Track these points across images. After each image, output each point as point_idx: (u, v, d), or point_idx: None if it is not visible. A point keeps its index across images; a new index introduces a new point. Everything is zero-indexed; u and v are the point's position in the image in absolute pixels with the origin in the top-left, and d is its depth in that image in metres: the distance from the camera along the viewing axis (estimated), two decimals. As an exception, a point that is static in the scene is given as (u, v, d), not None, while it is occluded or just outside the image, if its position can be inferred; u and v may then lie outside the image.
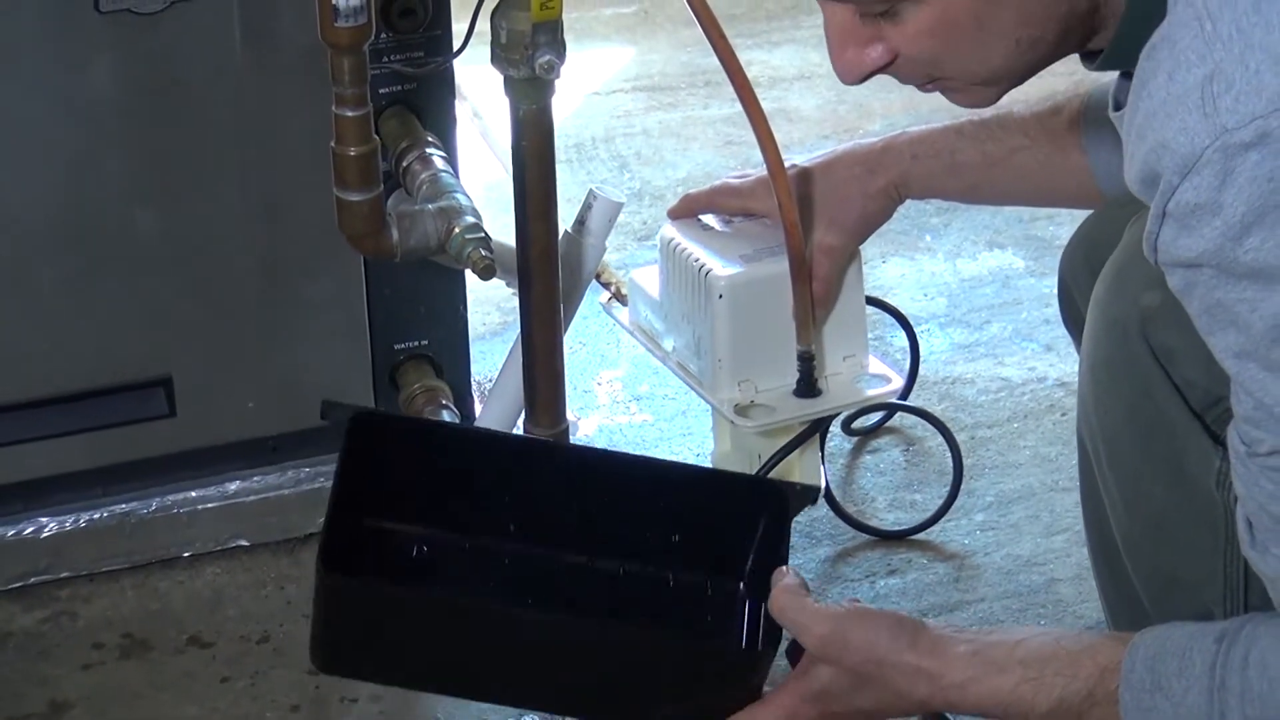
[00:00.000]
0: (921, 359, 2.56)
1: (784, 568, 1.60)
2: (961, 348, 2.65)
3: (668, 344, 1.95)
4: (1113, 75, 1.49)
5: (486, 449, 1.73)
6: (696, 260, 1.88)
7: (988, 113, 1.79)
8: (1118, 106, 1.42)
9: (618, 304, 2.09)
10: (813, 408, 1.88)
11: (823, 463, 2.07)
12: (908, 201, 1.94)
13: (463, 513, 1.68)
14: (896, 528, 2.28)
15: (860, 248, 1.91)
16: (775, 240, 1.85)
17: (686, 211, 1.96)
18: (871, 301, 2.20)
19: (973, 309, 2.73)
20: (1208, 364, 1.40)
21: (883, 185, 1.88)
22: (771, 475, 1.90)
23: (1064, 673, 1.45)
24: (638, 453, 2.27)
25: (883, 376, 1.95)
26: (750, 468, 1.94)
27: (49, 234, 2.06)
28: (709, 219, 1.95)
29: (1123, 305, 1.64)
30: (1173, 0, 1.32)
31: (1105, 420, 1.69)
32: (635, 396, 2.56)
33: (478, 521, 1.68)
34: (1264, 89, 1.25)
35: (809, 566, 2.24)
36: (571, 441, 2.12)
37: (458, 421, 2.12)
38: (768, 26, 3.50)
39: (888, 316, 2.41)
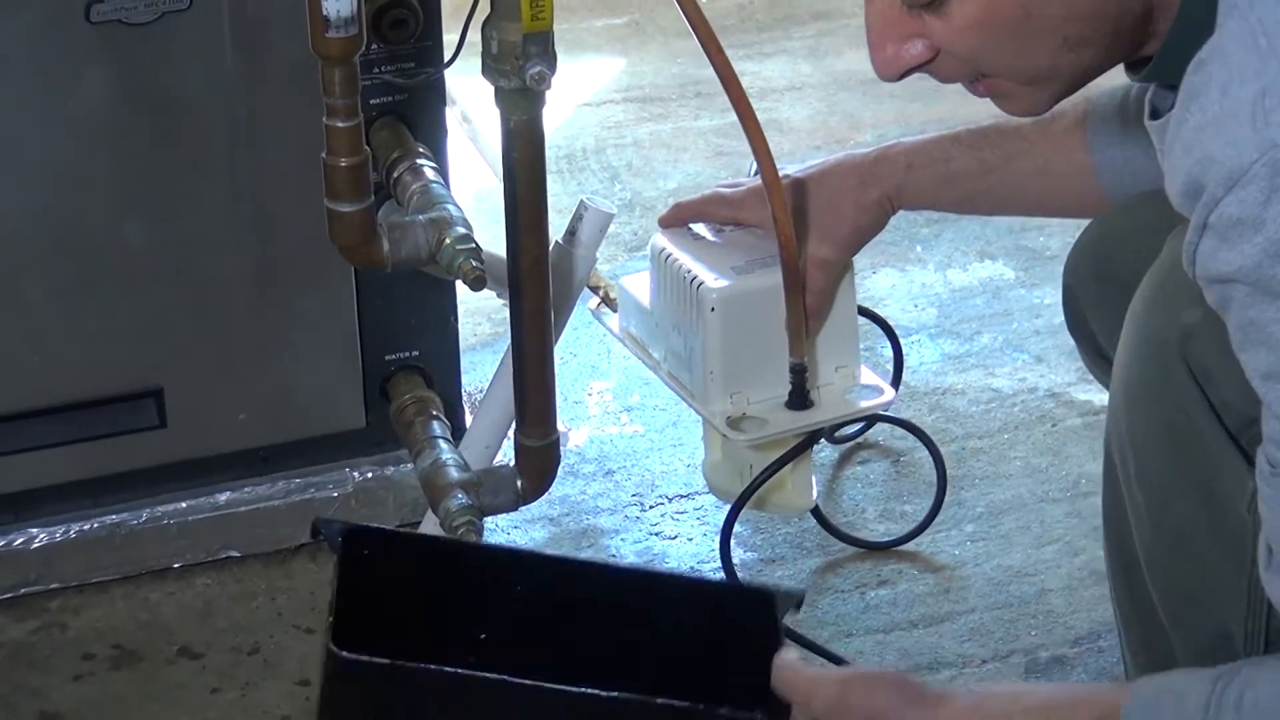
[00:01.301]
0: (911, 370, 2.57)
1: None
2: (952, 358, 2.65)
3: (657, 352, 1.95)
4: (1121, 80, 1.48)
5: (465, 562, 1.68)
6: (688, 272, 1.88)
7: (985, 120, 1.79)
8: (1155, 115, 1.40)
9: (607, 310, 2.09)
10: (805, 420, 1.88)
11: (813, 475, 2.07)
12: (899, 212, 1.94)
13: (439, 631, 1.63)
14: (884, 539, 2.28)
15: (852, 259, 1.92)
16: (766, 251, 1.85)
17: (677, 220, 1.97)
18: (860, 311, 2.21)
19: (963, 320, 2.73)
20: (1245, 386, 1.38)
21: (876, 197, 1.88)
22: (763, 493, 1.90)
23: (1065, 718, 1.45)
24: (627, 562, 2.22)
25: (875, 388, 1.96)
26: (742, 478, 1.94)
27: (39, 244, 2.06)
28: (700, 228, 1.96)
29: (1162, 321, 1.62)
30: (1225, 12, 1.30)
31: (1136, 434, 1.67)
32: (626, 407, 2.56)
33: (456, 640, 1.62)
34: None
35: (798, 578, 2.24)
36: (557, 555, 2.13)
37: (443, 536, 2.07)
38: (758, 38, 3.50)
39: (877, 326, 2.42)
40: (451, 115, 2.63)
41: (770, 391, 1.88)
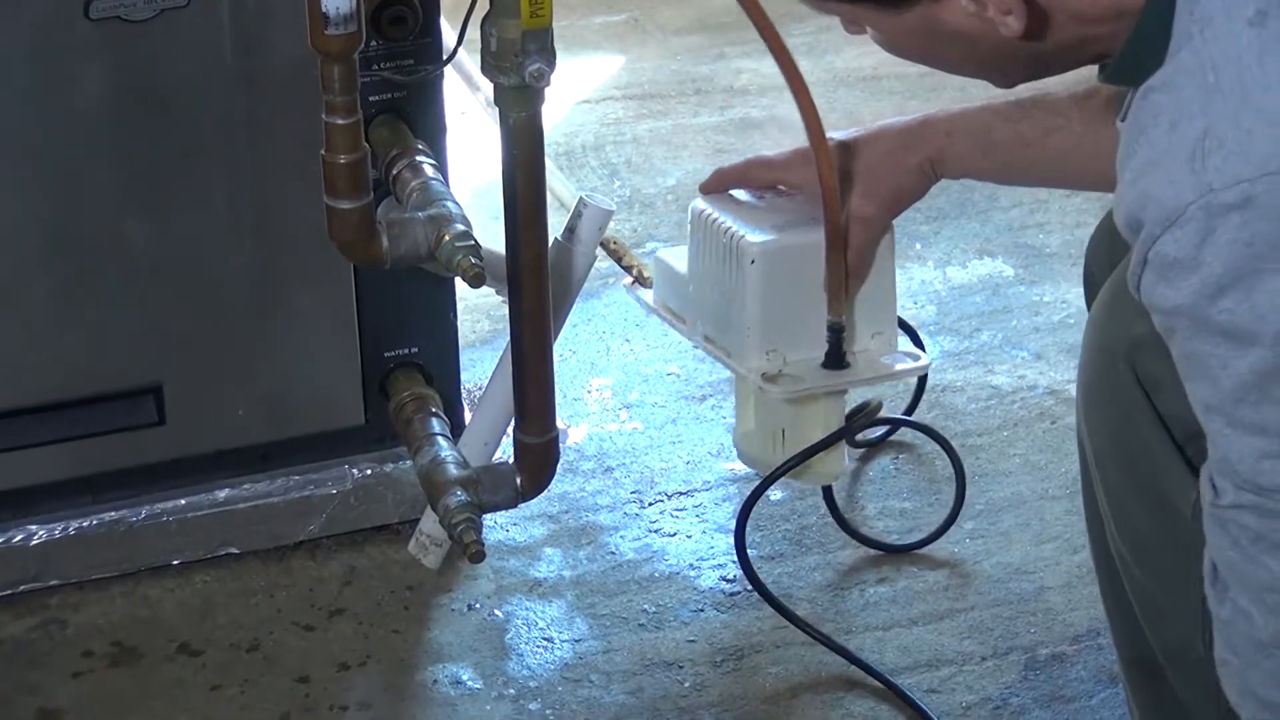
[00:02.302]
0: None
1: None
2: (951, 356, 2.65)
3: (693, 319, 1.94)
4: None
5: None
6: (728, 229, 1.87)
7: (1025, 93, 1.78)
8: (1124, 117, 1.42)
9: (640, 287, 2.09)
10: (841, 379, 1.87)
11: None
12: (940, 180, 1.92)
13: None
14: (898, 541, 2.27)
15: (893, 224, 1.90)
16: (808, 213, 1.85)
17: (719, 185, 1.95)
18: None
19: (962, 317, 2.73)
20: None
21: (918, 161, 1.87)
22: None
23: None
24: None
25: (911, 354, 1.95)
26: (774, 448, 1.92)
27: (38, 241, 2.06)
28: (740, 193, 1.94)
29: (1115, 330, 1.64)
30: (1179, 40, 1.31)
31: (1095, 441, 1.70)
32: (625, 404, 2.56)
33: None
34: (1253, 152, 1.24)
35: (799, 574, 2.24)
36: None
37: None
38: (757, 34, 3.49)
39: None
40: (475, 101, 2.64)
41: (807, 352, 1.87)
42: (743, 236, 1.85)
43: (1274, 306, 1.26)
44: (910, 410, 2.40)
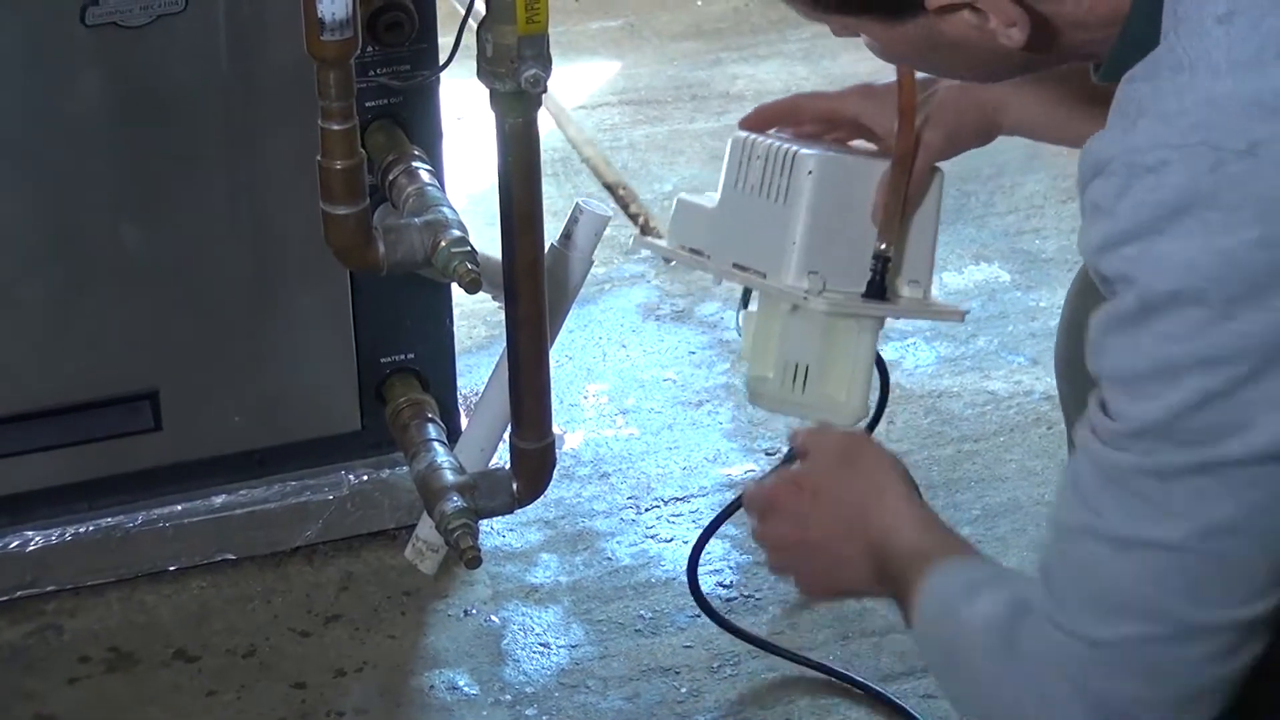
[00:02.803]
0: (907, 373, 2.57)
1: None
2: (947, 361, 2.65)
3: (720, 251, 1.87)
4: None
5: None
6: (780, 147, 1.81)
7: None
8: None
9: (650, 237, 2.05)
10: (883, 308, 1.82)
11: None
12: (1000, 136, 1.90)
13: None
14: None
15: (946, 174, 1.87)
16: (855, 150, 1.82)
17: (759, 122, 1.88)
18: None
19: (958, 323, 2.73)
20: None
21: (981, 102, 1.83)
22: (808, 397, 1.85)
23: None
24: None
25: (949, 304, 1.91)
26: (793, 386, 1.85)
27: (35, 247, 2.06)
28: (776, 134, 1.90)
29: (1082, 304, 1.67)
30: (1163, 36, 1.33)
31: (1067, 410, 1.75)
32: (622, 410, 2.56)
33: None
34: (1181, 123, 1.27)
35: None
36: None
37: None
38: (754, 40, 3.50)
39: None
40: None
41: (847, 284, 1.81)
42: (799, 150, 1.80)
43: (1157, 268, 1.28)
44: (872, 426, 2.32)
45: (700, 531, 2.17)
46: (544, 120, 1.86)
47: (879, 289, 1.80)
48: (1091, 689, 1.36)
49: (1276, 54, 1.26)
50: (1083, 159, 1.35)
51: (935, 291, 1.89)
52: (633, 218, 2.02)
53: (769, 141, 1.83)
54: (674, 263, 2.11)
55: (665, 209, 2.97)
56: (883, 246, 1.79)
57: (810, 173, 1.78)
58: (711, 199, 1.89)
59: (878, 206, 1.78)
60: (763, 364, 1.87)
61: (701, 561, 2.25)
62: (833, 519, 1.62)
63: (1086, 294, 1.70)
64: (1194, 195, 1.26)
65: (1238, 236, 1.25)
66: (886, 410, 2.33)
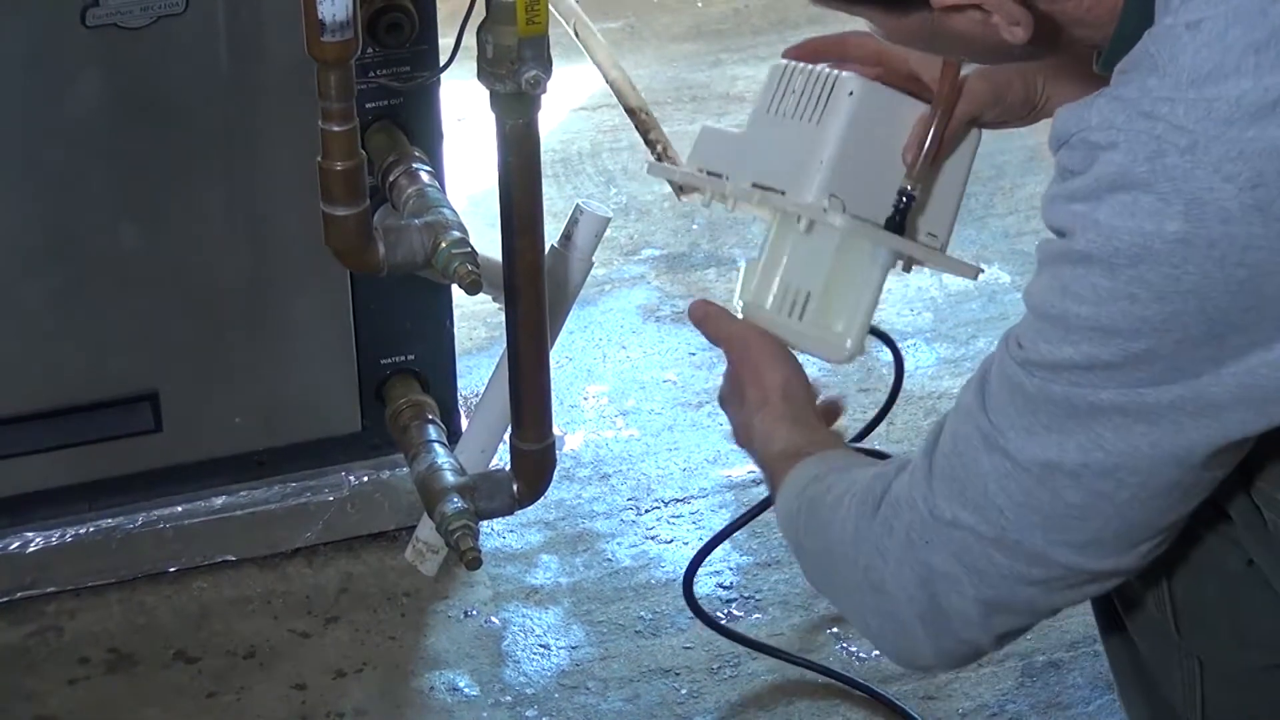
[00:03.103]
0: (908, 374, 2.56)
1: (703, 300, 1.81)
2: (948, 363, 2.65)
3: (740, 171, 1.81)
4: None
5: None
6: (823, 70, 1.78)
7: None
8: None
9: (665, 161, 2.01)
10: (898, 242, 1.77)
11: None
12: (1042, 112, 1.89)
13: None
14: None
15: (980, 141, 1.85)
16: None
17: (807, 53, 1.85)
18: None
19: (959, 324, 2.73)
20: None
21: (1028, 69, 1.79)
22: (804, 327, 1.79)
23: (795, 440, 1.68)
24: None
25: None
26: (792, 311, 1.78)
27: (35, 249, 2.06)
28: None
29: None
30: (1147, 32, 1.35)
31: None
32: (622, 411, 2.56)
33: None
34: (1129, 107, 1.31)
35: (795, 580, 2.24)
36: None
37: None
38: (753, 41, 3.50)
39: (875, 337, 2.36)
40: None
41: (867, 215, 1.76)
42: (841, 73, 1.76)
43: (1088, 228, 1.33)
44: (884, 413, 2.32)
45: (694, 553, 2.17)
46: (545, 120, 1.86)
47: (898, 226, 1.76)
48: (920, 556, 1.47)
49: (1236, 66, 1.29)
50: (1051, 128, 1.39)
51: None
52: (651, 145, 1.98)
53: (812, 68, 1.79)
54: (685, 191, 2.06)
55: (664, 210, 2.97)
56: (909, 185, 1.75)
57: (851, 93, 1.74)
58: (740, 129, 1.85)
59: (911, 143, 1.75)
60: (762, 293, 1.81)
61: (702, 562, 2.26)
62: (731, 416, 1.78)
63: None
64: (1131, 178, 1.31)
65: (1160, 225, 1.29)
66: (885, 414, 2.34)
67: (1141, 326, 1.32)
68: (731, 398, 1.76)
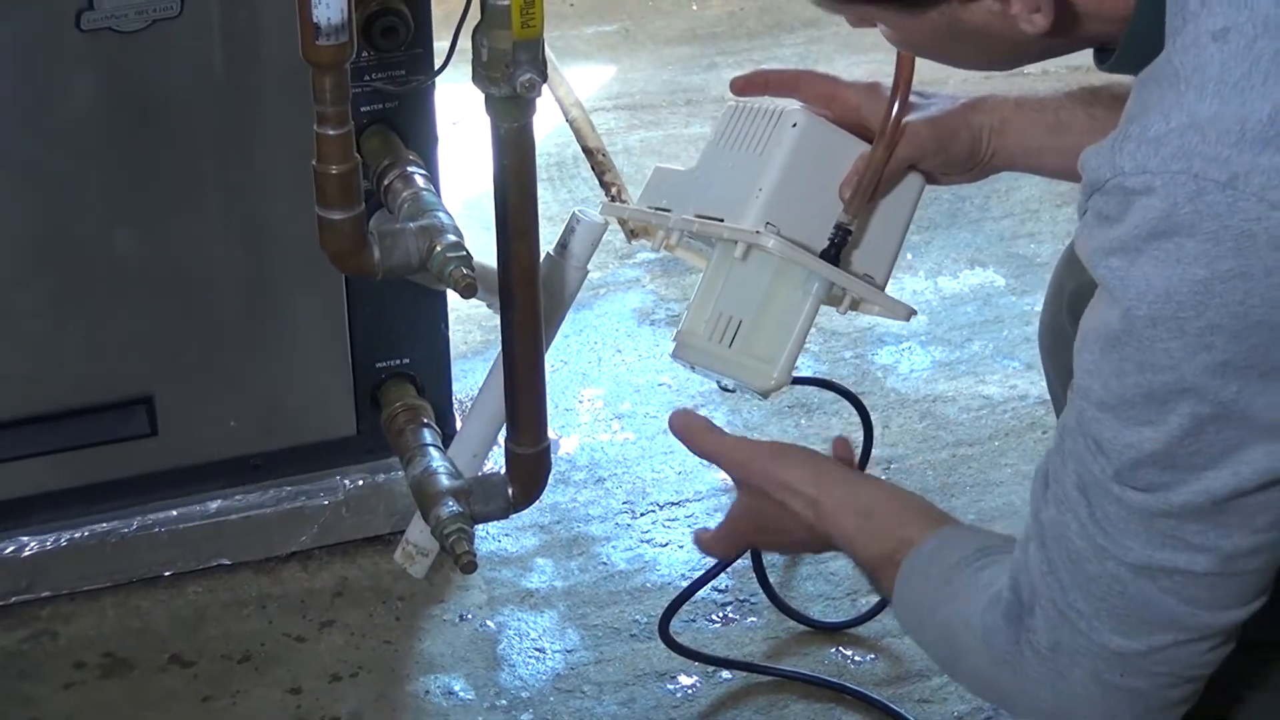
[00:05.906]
0: (902, 377, 2.57)
1: (683, 409, 1.78)
2: (943, 366, 2.65)
3: (686, 204, 1.84)
4: None
5: None
6: (771, 107, 1.80)
7: (1099, 81, 1.76)
8: None
9: (618, 202, 2.03)
10: (834, 272, 1.77)
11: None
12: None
13: None
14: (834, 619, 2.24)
15: (924, 191, 1.84)
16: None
17: (755, 84, 1.87)
18: (820, 383, 2.34)
19: (954, 327, 2.73)
20: None
21: (978, 120, 1.81)
22: (734, 354, 1.80)
23: (878, 533, 1.63)
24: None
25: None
26: (722, 338, 1.81)
27: (30, 252, 2.06)
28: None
29: (1065, 276, 1.73)
30: (1168, 37, 1.34)
31: (1049, 382, 1.81)
32: (617, 415, 2.56)
33: None
34: (1164, 149, 1.30)
35: (791, 584, 2.24)
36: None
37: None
38: (749, 44, 3.50)
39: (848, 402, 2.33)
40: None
41: (803, 245, 1.77)
42: (787, 107, 1.79)
43: (1138, 289, 1.31)
44: (863, 464, 2.30)
45: (679, 591, 2.18)
46: (539, 124, 1.86)
47: (833, 259, 1.76)
48: (1112, 682, 1.43)
49: (1264, 79, 1.28)
50: (1082, 170, 1.37)
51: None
52: (605, 186, 1.99)
53: (762, 104, 1.82)
54: (635, 236, 2.09)
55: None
56: (846, 220, 1.76)
57: (795, 125, 1.77)
58: (689, 165, 1.88)
59: (849, 178, 1.75)
60: (697, 319, 1.84)
61: (697, 567, 2.26)
62: (787, 543, 1.79)
63: (1073, 262, 1.72)
64: (1173, 223, 1.29)
65: (1213, 267, 1.28)
66: (881, 414, 2.35)
67: (1225, 370, 1.31)
68: (774, 521, 1.72)
